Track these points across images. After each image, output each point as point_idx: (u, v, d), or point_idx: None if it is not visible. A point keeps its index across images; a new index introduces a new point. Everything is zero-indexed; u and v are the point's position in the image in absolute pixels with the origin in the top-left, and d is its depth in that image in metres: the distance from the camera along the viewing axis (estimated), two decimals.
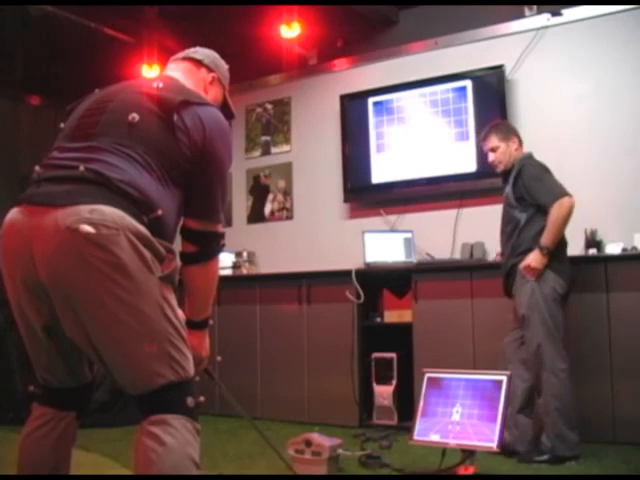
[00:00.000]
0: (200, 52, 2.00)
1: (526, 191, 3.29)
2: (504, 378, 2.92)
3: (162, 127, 1.66)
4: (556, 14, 4.24)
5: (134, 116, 1.66)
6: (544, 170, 3.34)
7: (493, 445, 2.80)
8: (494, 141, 3.48)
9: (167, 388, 1.54)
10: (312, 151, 5.22)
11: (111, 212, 1.50)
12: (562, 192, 3.23)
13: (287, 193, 5.32)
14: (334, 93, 5.02)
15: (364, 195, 4.93)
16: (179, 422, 1.53)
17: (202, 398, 1.61)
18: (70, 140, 1.69)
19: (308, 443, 3.11)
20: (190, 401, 1.57)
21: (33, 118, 5.81)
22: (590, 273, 3.65)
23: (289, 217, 5.29)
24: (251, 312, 4.74)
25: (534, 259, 3.22)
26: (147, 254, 1.54)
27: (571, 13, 4.21)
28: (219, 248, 1.79)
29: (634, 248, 3.72)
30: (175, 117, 1.66)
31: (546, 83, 4.29)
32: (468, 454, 2.87)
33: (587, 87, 4.16)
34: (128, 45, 4.99)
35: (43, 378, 1.74)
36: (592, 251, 3.85)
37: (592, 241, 3.89)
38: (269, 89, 5.47)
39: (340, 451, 3.16)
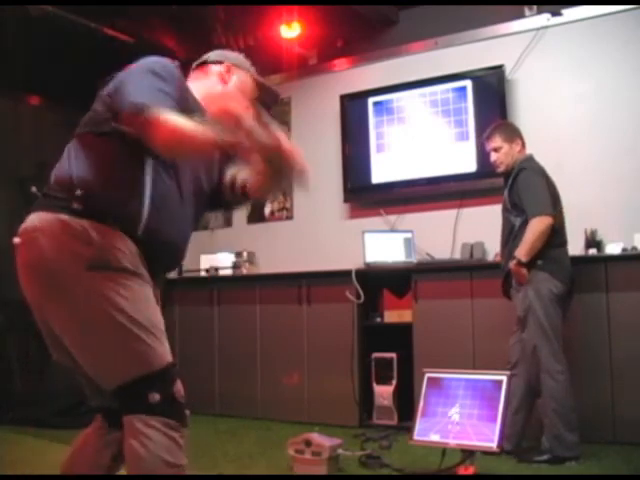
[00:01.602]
0: (204, 56, 1.97)
1: (518, 198, 3.31)
2: (504, 378, 2.92)
3: (95, 104, 1.67)
4: (556, 14, 4.24)
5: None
6: (540, 177, 3.34)
7: (493, 445, 2.80)
8: (497, 141, 3.49)
9: (127, 387, 1.51)
10: (312, 151, 5.20)
11: (32, 217, 1.55)
12: (545, 209, 3.25)
13: (287, 193, 5.32)
14: (334, 93, 5.02)
15: (364, 195, 4.92)
16: (143, 424, 1.49)
17: (176, 389, 1.54)
18: None
19: (308, 443, 3.11)
20: (153, 397, 1.49)
21: (33, 118, 5.81)
22: (590, 273, 3.65)
23: (289, 217, 5.29)
24: (251, 312, 4.74)
25: (513, 273, 3.27)
26: (73, 245, 1.49)
27: (571, 13, 4.21)
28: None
29: (634, 248, 3.72)
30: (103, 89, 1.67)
31: (546, 83, 4.29)
32: (468, 454, 2.87)
33: (587, 87, 4.15)
34: (128, 45, 4.99)
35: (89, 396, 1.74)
36: (592, 251, 3.85)
37: (592, 241, 3.89)
38: None
39: (340, 451, 3.16)
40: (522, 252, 3.22)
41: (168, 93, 1.57)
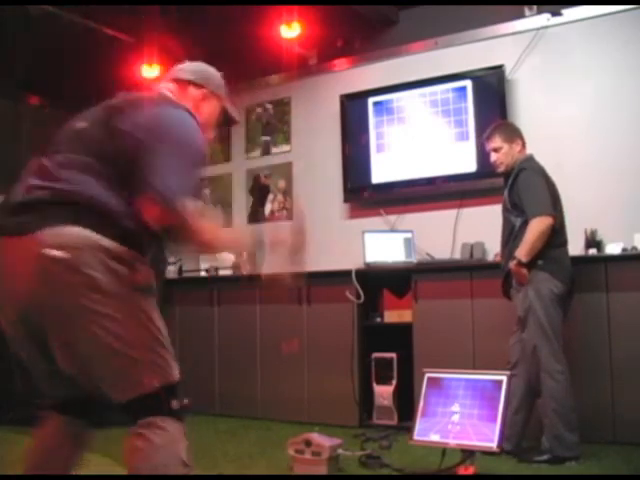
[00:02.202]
0: (187, 70, 1.94)
1: (518, 198, 3.31)
2: (504, 378, 2.92)
3: (103, 131, 1.65)
4: (556, 14, 4.24)
5: (82, 124, 1.69)
6: (540, 177, 3.34)
7: (493, 445, 2.80)
8: (497, 141, 3.48)
9: (153, 393, 1.59)
10: (312, 151, 5.21)
11: (77, 232, 1.53)
12: (546, 210, 3.25)
13: (287, 193, 5.32)
14: (334, 93, 5.02)
15: (364, 195, 4.93)
16: (166, 423, 1.58)
17: (186, 400, 1.67)
18: (44, 158, 1.71)
19: (308, 443, 3.11)
20: (175, 404, 1.61)
21: (33, 118, 5.81)
22: (590, 273, 3.65)
23: (289, 217, 5.29)
24: (251, 312, 4.74)
25: (513, 273, 3.27)
26: (118, 268, 1.55)
27: (571, 13, 4.21)
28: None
29: (634, 248, 3.72)
30: (116, 119, 1.65)
31: (546, 83, 4.29)
32: (468, 454, 2.87)
33: (587, 87, 4.16)
34: (128, 45, 4.99)
35: (49, 394, 1.78)
36: (592, 251, 3.85)
37: (592, 241, 3.90)
38: (269, 89, 5.47)
39: (340, 451, 3.16)
40: (522, 252, 3.22)
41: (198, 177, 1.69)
